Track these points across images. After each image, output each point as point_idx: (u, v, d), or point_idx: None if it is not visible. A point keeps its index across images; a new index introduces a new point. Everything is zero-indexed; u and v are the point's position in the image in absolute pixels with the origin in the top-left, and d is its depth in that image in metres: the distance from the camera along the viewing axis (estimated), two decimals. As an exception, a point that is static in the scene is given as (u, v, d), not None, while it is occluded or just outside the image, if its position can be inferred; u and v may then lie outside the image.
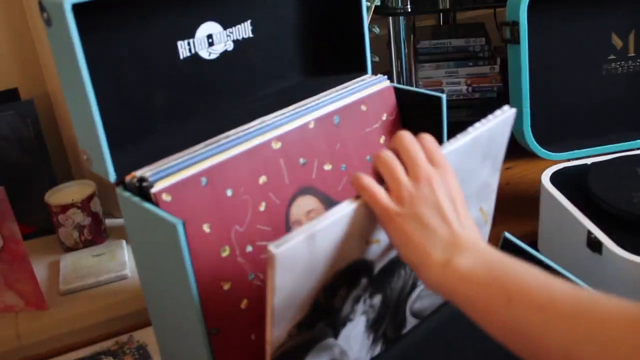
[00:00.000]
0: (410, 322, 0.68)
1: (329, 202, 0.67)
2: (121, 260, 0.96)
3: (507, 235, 0.74)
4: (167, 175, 0.57)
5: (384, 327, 0.64)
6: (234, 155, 0.59)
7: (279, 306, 0.47)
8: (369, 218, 0.51)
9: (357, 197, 0.50)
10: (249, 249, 0.60)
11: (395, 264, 0.59)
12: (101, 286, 0.93)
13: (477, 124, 0.58)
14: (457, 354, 0.69)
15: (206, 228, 0.56)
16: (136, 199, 0.56)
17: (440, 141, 0.74)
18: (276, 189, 0.62)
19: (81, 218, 0.98)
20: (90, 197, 0.99)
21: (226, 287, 0.58)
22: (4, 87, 1.03)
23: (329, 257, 0.49)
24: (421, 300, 0.67)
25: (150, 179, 0.56)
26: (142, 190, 0.57)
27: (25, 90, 1.04)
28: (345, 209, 0.49)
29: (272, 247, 0.44)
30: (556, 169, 0.95)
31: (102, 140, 0.57)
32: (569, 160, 0.99)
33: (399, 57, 1.21)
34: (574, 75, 1.01)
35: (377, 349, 0.66)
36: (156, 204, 0.55)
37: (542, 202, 0.93)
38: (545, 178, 0.92)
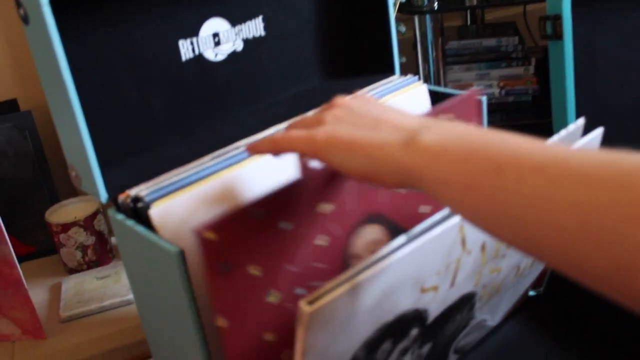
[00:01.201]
0: (451, 358, 0.59)
1: (397, 232, 0.58)
2: (127, 283, 0.88)
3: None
4: (165, 194, 0.49)
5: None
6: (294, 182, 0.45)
7: None
8: (427, 258, 0.42)
9: (407, 233, 0.41)
10: (300, 291, 0.48)
11: (453, 310, 0.50)
12: (105, 312, 0.85)
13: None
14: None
15: (253, 270, 0.45)
16: (130, 223, 0.48)
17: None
18: (339, 218, 0.50)
19: (84, 237, 0.91)
20: (94, 215, 0.91)
21: (269, 337, 0.47)
22: (2, 98, 0.97)
23: (374, 311, 0.40)
24: (466, 337, 0.59)
25: (146, 199, 0.48)
26: (137, 211, 0.49)
27: (24, 102, 0.98)
28: (399, 253, 0.39)
29: (304, 304, 0.36)
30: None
31: (90, 154, 0.49)
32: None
33: (425, 58, 1.12)
34: (623, 75, 0.92)
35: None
36: (152, 228, 0.47)
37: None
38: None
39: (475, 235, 0.45)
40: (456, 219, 0.42)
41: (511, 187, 0.33)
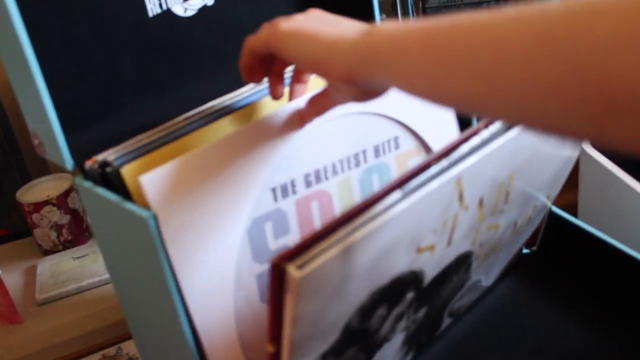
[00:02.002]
0: (445, 322, 0.57)
1: None
2: (105, 262, 0.85)
3: (553, 209, 0.62)
4: (135, 157, 0.45)
5: (420, 336, 0.53)
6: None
7: (299, 339, 0.35)
8: (424, 215, 0.38)
9: (401, 183, 0.38)
10: None
11: (449, 271, 0.47)
12: (83, 292, 0.81)
13: None
14: (496, 352, 0.58)
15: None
16: (98, 190, 0.45)
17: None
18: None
19: (58, 216, 0.87)
20: (67, 192, 0.88)
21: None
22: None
23: (367, 274, 0.36)
24: (461, 299, 0.56)
25: (115, 163, 0.45)
26: (106, 177, 0.45)
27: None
28: (394, 209, 0.35)
29: (293, 268, 0.32)
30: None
31: (51, 118, 0.45)
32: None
33: (406, 17, 1.09)
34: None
35: (409, 358, 0.54)
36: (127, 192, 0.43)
37: (581, 168, 0.81)
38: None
39: (473, 190, 0.42)
40: (454, 172, 0.39)
41: (468, 33, 0.31)
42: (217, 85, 0.55)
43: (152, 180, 0.42)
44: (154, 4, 0.53)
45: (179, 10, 0.55)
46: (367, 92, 0.41)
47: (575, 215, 0.84)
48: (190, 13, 0.55)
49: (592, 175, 0.80)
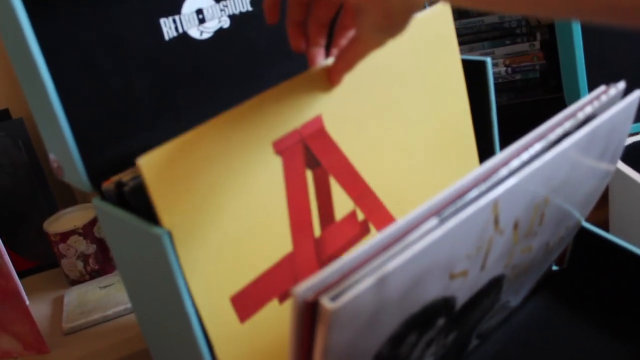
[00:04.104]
0: (473, 343, 0.55)
1: None
2: (131, 291, 0.85)
3: (583, 223, 0.60)
4: (151, 177, 0.45)
5: (447, 358, 0.51)
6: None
7: None
8: (459, 241, 0.37)
9: (439, 210, 0.37)
10: None
11: (481, 295, 0.46)
12: (109, 321, 0.81)
13: (587, 108, 0.45)
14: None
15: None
16: (115, 211, 0.45)
17: (489, 113, 0.61)
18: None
19: (84, 246, 0.88)
20: (93, 222, 0.88)
21: None
22: (-7, 108, 0.94)
23: (399, 303, 0.35)
24: (489, 321, 0.54)
25: (131, 183, 0.45)
26: (123, 196, 0.45)
27: (15, 112, 0.95)
28: (429, 237, 0.34)
29: (327, 300, 0.31)
30: (626, 144, 0.81)
31: (69, 142, 0.46)
32: (638, 133, 0.85)
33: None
34: (633, 37, 0.87)
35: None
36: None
37: (612, 183, 0.79)
38: (614, 157, 0.79)
39: (509, 213, 0.40)
40: (491, 195, 0.37)
41: None
42: (233, 106, 0.55)
43: (151, 161, 0.40)
44: (170, 28, 0.54)
45: (195, 33, 0.55)
46: (391, 19, 0.40)
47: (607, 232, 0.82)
48: (206, 36, 0.56)
49: (623, 191, 0.78)
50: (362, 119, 0.53)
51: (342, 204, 0.52)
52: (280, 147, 0.48)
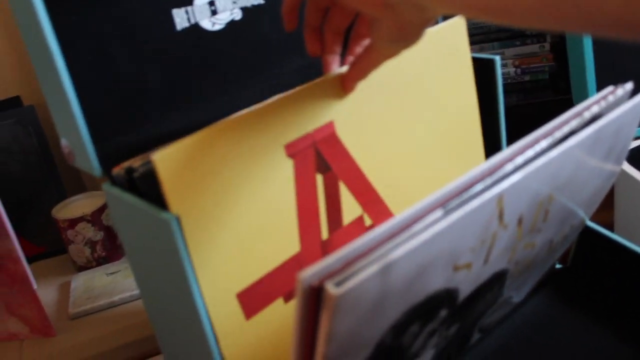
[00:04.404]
0: (475, 337, 0.56)
1: None
2: (137, 278, 0.86)
3: (587, 223, 0.61)
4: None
5: (449, 350, 0.51)
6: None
7: (332, 356, 0.35)
8: (464, 233, 0.38)
9: (444, 202, 0.37)
10: None
11: (483, 288, 0.46)
12: (115, 307, 0.82)
13: (594, 107, 0.46)
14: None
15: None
16: (124, 195, 0.45)
17: (496, 110, 0.62)
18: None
19: (92, 233, 0.89)
20: (101, 209, 0.89)
21: None
22: (5, 95, 0.95)
23: (403, 292, 0.36)
24: (492, 315, 0.55)
25: (141, 169, 0.46)
26: (133, 182, 0.46)
27: (27, 99, 0.96)
28: (434, 228, 0.35)
29: (331, 286, 0.31)
30: (632, 146, 0.81)
31: (81, 127, 0.47)
32: (644, 136, 0.85)
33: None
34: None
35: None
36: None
37: (617, 185, 0.80)
38: (620, 158, 0.79)
39: (514, 208, 0.41)
40: (496, 190, 0.38)
41: None
42: (243, 99, 0.56)
43: (165, 157, 0.40)
44: (182, 18, 0.54)
45: (207, 24, 0.56)
46: (406, 30, 0.41)
47: (611, 233, 0.82)
48: (217, 27, 0.57)
49: (628, 193, 0.78)
50: (373, 126, 0.53)
51: (351, 208, 0.52)
52: (292, 151, 0.49)
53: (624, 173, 0.77)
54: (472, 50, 1.17)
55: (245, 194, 0.45)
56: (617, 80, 0.88)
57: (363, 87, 0.51)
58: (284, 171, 0.48)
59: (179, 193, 0.41)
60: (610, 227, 0.84)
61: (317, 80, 0.50)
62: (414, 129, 0.56)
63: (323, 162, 0.51)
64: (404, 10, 0.40)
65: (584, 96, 0.88)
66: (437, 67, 0.57)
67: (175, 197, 0.41)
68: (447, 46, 0.57)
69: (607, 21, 0.30)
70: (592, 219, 0.87)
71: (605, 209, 0.85)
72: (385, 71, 0.51)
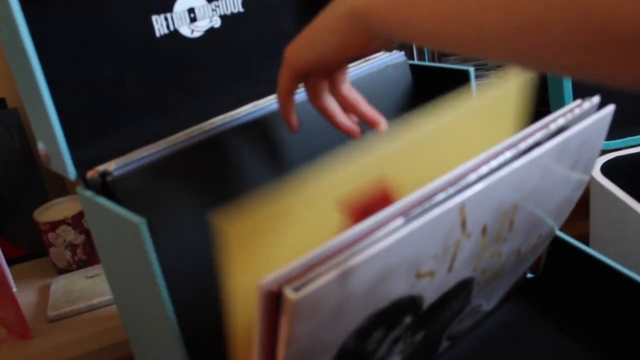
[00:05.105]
0: (444, 344, 0.56)
1: None
2: (117, 282, 0.86)
3: (557, 233, 0.62)
4: (134, 168, 0.47)
5: (416, 357, 0.52)
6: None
7: (292, 359, 0.35)
8: (425, 241, 0.38)
9: (405, 210, 0.38)
10: None
11: (449, 296, 0.47)
12: (94, 310, 0.83)
13: (559, 120, 0.47)
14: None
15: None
16: (96, 198, 0.46)
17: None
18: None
19: (73, 236, 0.89)
20: (82, 213, 0.89)
21: None
22: (-11, 97, 0.95)
23: (364, 298, 0.37)
24: (460, 323, 0.56)
25: (115, 173, 0.46)
26: (106, 186, 0.47)
27: (12, 101, 0.96)
28: (395, 235, 0.35)
29: (290, 291, 0.32)
30: (607, 158, 0.82)
31: (57, 131, 0.47)
32: (620, 149, 0.86)
33: (421, 51, 1.10)
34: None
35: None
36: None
37: (592, 196, 0.81)
38: (596, 169, 0.80)
39: (477, 217, 0.42)
40: (458, 199, 0.39)
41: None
42: (221, 104, 0.57)
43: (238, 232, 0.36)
44: (162, 25, 0.55)
45: (186, 31, 0.57)
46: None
47: (587, 245, 0.83)
48: (197, 34, 0.58)
49: (603, 204, 0.79)
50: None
51: None
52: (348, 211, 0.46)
53: (598, 185, 0.78)
54: (455, 61, 1.18)
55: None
56: (595, 93, 0.89)
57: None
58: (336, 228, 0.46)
59: (242, 263, 0.38)
60: (586, 238, 0.85)
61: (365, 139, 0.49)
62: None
63: None
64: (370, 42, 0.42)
65: (561, 107, 0.89)
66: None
67: (239, 267, 0.38)
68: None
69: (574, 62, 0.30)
70: (568, 231, 0.88)
71: (581, 220, 0.86)
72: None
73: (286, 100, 0.49)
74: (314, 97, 0.49)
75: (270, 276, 0.33)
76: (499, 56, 0.34)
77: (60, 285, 0.87)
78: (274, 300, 0.33)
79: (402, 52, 0.64)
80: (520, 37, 0.31)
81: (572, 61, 0.29)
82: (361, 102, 0.50)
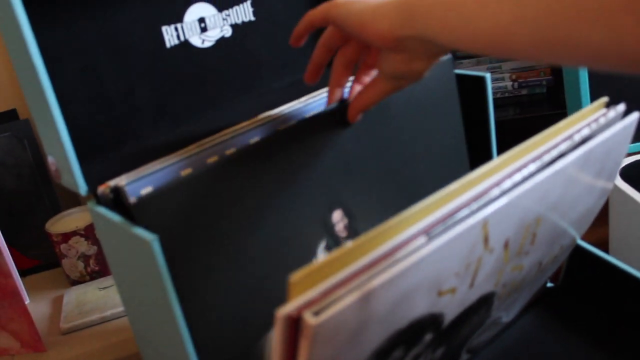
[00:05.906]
0: (463, 358, 0.55)
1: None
2: (130, 293, 0.85)
3: (578, 242, 0.60)
4: (147, 184, 0.46)
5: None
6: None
7: None
8: (447, 259, 0.37)
9: (428, 228, 0.37)
10: None
11: (470, 312, 0.46)
12: (107, 322, 0.82)
13: (584, 130, 0.46)
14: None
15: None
16: (107, 214, 0.45)
17: (487, 128, 0.61)
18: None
19: (86, 247, 0.88)
20: (95, 224, 0.89)
21: None
22: (0, 108, 0.95)
23: (385, 319, 0.35)
24: (480, 336, 0.54)
25: (126, 188, 0.45)
26: (118, 202, 0.46)
27: (23, 113, 0.96)
28: (417, 254, 0.34)
29: (309, 315, 0.31)
30: (626, 162, 0.81)
31: (67, 145, 0.46)
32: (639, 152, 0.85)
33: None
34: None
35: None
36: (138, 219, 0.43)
37: (612, 201, 0.79)
38: (614, 175, 0.78)
39: (499, 233, 0.40)
40: (481, 215, 0.37)
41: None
42: (233, 115, 0.56)
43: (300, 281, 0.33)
44: (172, 35, 0.54)
45: (196, 41, 0.56)
46: (413, 66, 0.43)
47: (607, 252, 0.81)
48: (207, 44, 0.57)
49: (622, 209, 0.77)
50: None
51: None
52: None
53: (618, 190, 0.76)
54: (469, 64, 1.17)
55: None
56: (612, 94, 0.87)
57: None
58: None
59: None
60: (606, 244, 0.84)
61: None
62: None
63: None
64: (413, 45, 0.41)
65: (578, 110, 0.88)
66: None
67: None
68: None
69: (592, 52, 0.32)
70: (587, 237, 0.86)
71: (600, 226, 0.84)
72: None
73: (320, 50, 0.49)
74: (340, 55, 0.49)
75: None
76: (528, 59, 0.35)
77: (72, 297, 0.87)
78: (293, 325, 0.32)
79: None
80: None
81: (611, 32, 0.30)
82: (363, 95, 0.49)
